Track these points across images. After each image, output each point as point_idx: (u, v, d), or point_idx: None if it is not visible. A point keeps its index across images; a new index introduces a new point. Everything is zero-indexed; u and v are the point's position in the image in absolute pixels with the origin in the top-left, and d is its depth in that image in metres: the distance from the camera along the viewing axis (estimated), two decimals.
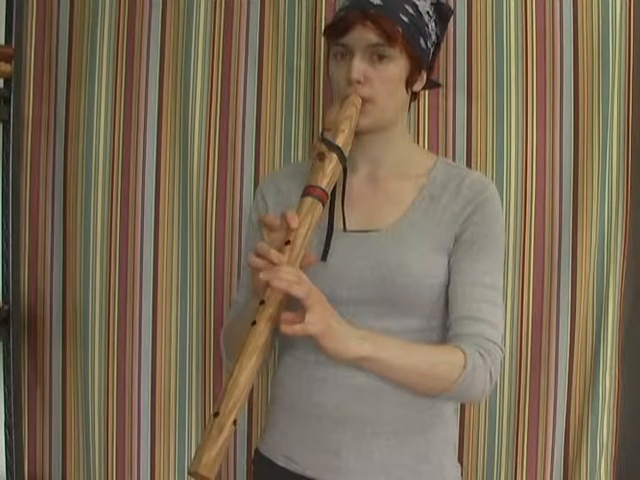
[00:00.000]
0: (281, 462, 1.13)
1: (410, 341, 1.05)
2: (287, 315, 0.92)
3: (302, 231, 0.96)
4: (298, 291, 0.90)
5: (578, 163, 1.42)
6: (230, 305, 1.52)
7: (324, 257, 1.07)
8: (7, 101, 1.60)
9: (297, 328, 0.90)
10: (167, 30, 1.56)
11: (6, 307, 1.62)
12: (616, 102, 1.41)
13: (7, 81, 1.60)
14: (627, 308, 1.46)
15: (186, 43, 1.54)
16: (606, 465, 1.45)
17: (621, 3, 1.39)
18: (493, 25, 1.43)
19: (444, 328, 1.09)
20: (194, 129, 1.55)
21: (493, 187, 1.11)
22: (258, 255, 0.94)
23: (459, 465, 1.16)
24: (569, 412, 1.44)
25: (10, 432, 1.64)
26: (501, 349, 1.05)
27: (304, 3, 1.50)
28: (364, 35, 1.03)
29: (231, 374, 0.89)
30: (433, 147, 1.46)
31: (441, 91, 1.45)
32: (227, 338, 1.21)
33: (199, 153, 1.55)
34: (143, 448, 1.61)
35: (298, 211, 0.97)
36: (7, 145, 1.62)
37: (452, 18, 1.43)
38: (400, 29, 1.03)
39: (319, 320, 0.91)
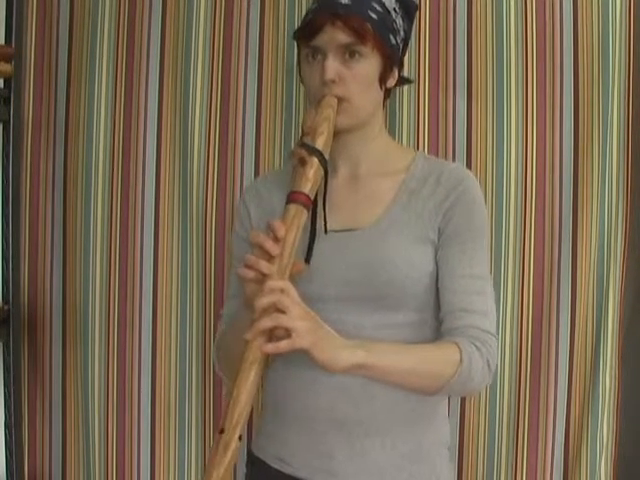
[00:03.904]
0: (273, 463, 1.13)
1: (403, 338, 1.05)
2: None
3: (289, 239, 0.94)
4: (282, 321, 0.88)
5: (578, 163, 1.42)
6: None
7: (307, 260, 1.06)
8: (7, 101, 1.60)
9: (282, 345, 0.89)
10: (167, 30, 1.56)
11: (6, 307, 1.62)
12: (616, 102, 1.41)
13: (7, 81, 1.60)
14: (627, 308, 1.46)
15: (186, 43, 1.54)
16: (606, 465, 1.45)
17: (621, 3, 1.39)
18: (493, 25, 1.43)
19: (437, 321, 1.09)
20: (194, 129, 1.54)
21: (472, 177, 1.12)
22: (248, 267, 0.93)
23: (453, 466, 1.16)
24: (569, 412, 1.44)
25: (10, 432, 1.64)
26: (495, 337, 1.06)
27: (304, 3, 1.50)
28: (335, 35, 1.03)
29: (232, 390, 0.89)
30: (433, 147, 1.46)
31: (441, 91, 1.45)
32: (220, 352, 1.18)
33: (199, 153, 1.55)
34: (143, 448, 1.61)
35: (284, 219, 0.96)
36: (7, 145, 1.62)
37: (452, 18, 1.44)
38: (370, 26, 1.04)
39: (306, 332, 0.90)
